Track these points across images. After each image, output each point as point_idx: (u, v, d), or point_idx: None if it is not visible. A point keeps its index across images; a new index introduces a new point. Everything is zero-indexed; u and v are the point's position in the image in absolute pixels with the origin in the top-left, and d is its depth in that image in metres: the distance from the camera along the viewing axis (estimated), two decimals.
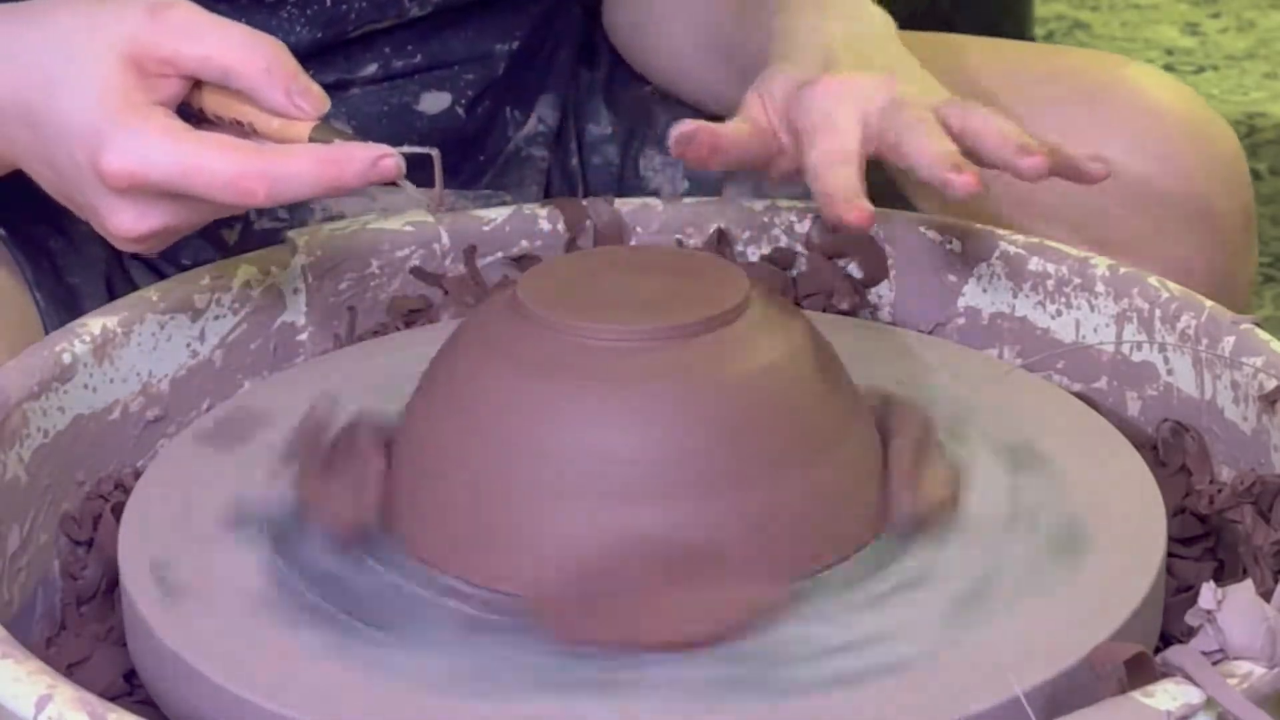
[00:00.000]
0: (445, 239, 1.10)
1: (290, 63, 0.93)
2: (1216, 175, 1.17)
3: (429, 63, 1.20)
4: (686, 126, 0.98)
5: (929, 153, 0.95)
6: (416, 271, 1.10)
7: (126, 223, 0.93)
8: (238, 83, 0.93)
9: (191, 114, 0.95)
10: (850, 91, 1.00)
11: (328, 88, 1.05)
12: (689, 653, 0.80)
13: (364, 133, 1.06)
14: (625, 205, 1.13)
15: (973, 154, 0.97)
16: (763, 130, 1.01)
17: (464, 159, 1.24)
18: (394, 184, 0.91)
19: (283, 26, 1.14)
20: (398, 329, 1.09)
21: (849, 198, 0.95)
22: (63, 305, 1.11)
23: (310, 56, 1.13)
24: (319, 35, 1.15)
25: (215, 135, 0.92)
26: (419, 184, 0.92)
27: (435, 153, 0.90)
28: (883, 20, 1.09)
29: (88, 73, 0.92)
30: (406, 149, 0.90)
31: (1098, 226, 1.13)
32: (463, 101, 1.22)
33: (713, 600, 0.82)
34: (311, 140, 0.92)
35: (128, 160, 0.90)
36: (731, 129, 1.01)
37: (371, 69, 1.18)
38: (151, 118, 0.91)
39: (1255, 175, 2.30)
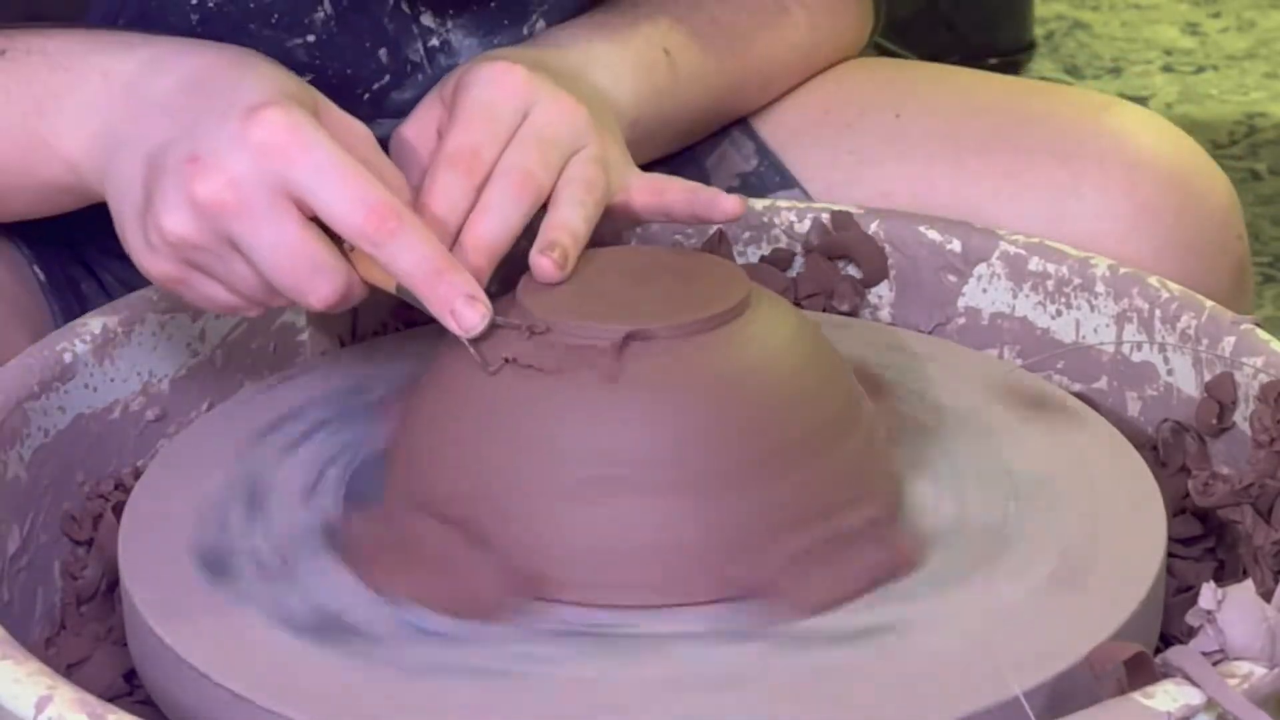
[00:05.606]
0: None
1: (390, 204, 0.87)
2: (1200, 241, 1.09)
3: None
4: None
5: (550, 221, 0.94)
6: None
7: (222, 175, 0.86)
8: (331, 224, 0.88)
9: None
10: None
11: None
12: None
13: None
14: None
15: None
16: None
17: None
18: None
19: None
20: (397, 329, 1.09)
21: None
22: None
23: None
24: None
25: None
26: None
27: (525, 330, 0.87)
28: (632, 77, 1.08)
29: (286, 75, 0.92)
30: (500, 320, 0.87)
31: None
32: None
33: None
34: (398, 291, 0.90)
35: (287, 121, 0.86)
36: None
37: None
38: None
39: (1255, 175, 2.30)
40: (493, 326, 0.87)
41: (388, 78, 1.07)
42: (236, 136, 0.87)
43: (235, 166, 0.86)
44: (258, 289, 0.89)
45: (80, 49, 0.97)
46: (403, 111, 1.05)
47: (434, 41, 1.08)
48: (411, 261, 0.87)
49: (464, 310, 0.87)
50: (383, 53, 1.06)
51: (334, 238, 0.88)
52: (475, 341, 0.87)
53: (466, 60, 1.07)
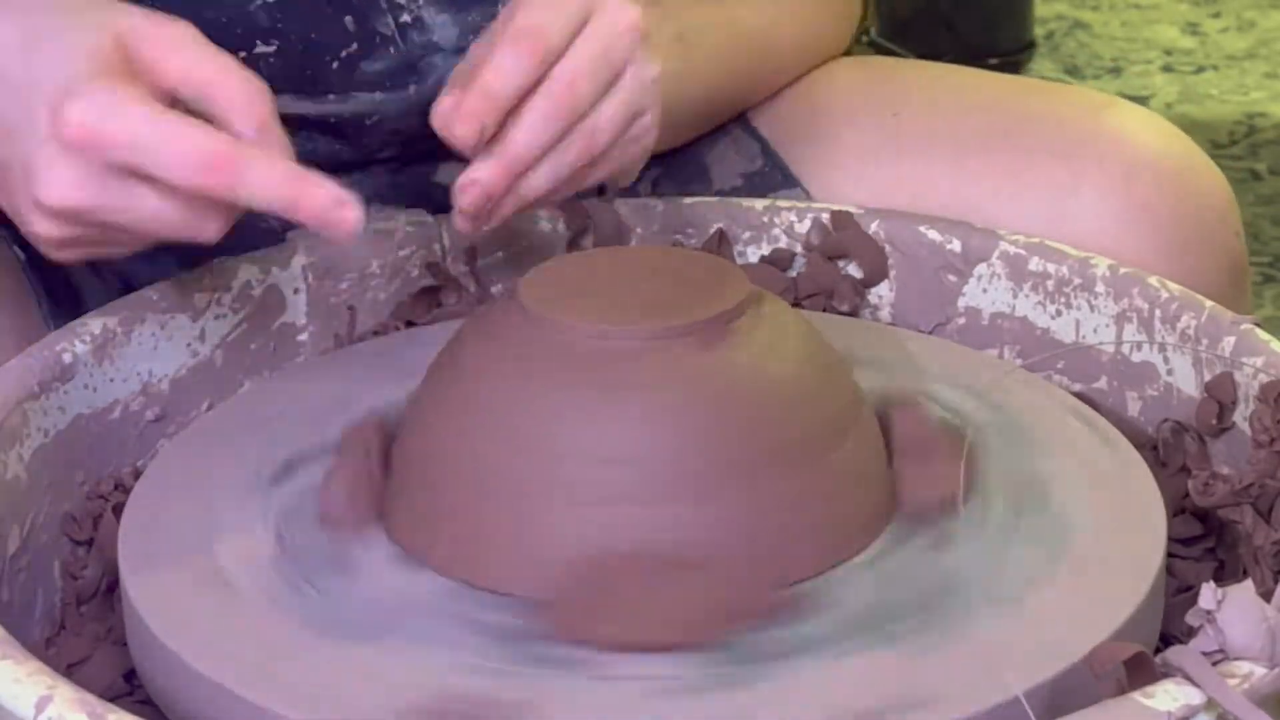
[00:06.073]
0: (446, 239, 1.10)
1: (268, 105, 0.87)
2: (1197, 239, 1.09)
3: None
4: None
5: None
6: (431, 267, 1.09)
7: (61, 185, 0.86)
8: (212, 105, 0.88)
9: None
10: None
11: (345, 164, 1.04)
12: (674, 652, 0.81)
13: (380, 203, 1.08)
14: (625, 205, 1.13)
15: None
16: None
17: None
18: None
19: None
20: (397, 329, 1.09)
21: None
22: None
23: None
24: (337, 147, 1.12)
25: (192, 118, 0.87)
26: None
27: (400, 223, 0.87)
28: None
29: (80, 37, 0.87)
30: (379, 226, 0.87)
31: None
32: None
33: (706, 603, 0.82)
34: None
35: (92, 112, 0.84)
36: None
37: (389, 153, 1.15)
38: (134, 86, 0.86)
39: (1255, 175, 2.30)
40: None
41: (355, 45, 1.06)
42: (51, 141, 0.85)
43: (65, 171, 0.85)
44: (164, 230, 0.88)
45: None
46: (376, 84, 1.04)
47: (405, 17, 1.07)
48: (269, 190, 0.85)
49: (339, 214, 0.85)
50: (348, 20, 1.05)
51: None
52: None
53: (441, 36, 1.06)
